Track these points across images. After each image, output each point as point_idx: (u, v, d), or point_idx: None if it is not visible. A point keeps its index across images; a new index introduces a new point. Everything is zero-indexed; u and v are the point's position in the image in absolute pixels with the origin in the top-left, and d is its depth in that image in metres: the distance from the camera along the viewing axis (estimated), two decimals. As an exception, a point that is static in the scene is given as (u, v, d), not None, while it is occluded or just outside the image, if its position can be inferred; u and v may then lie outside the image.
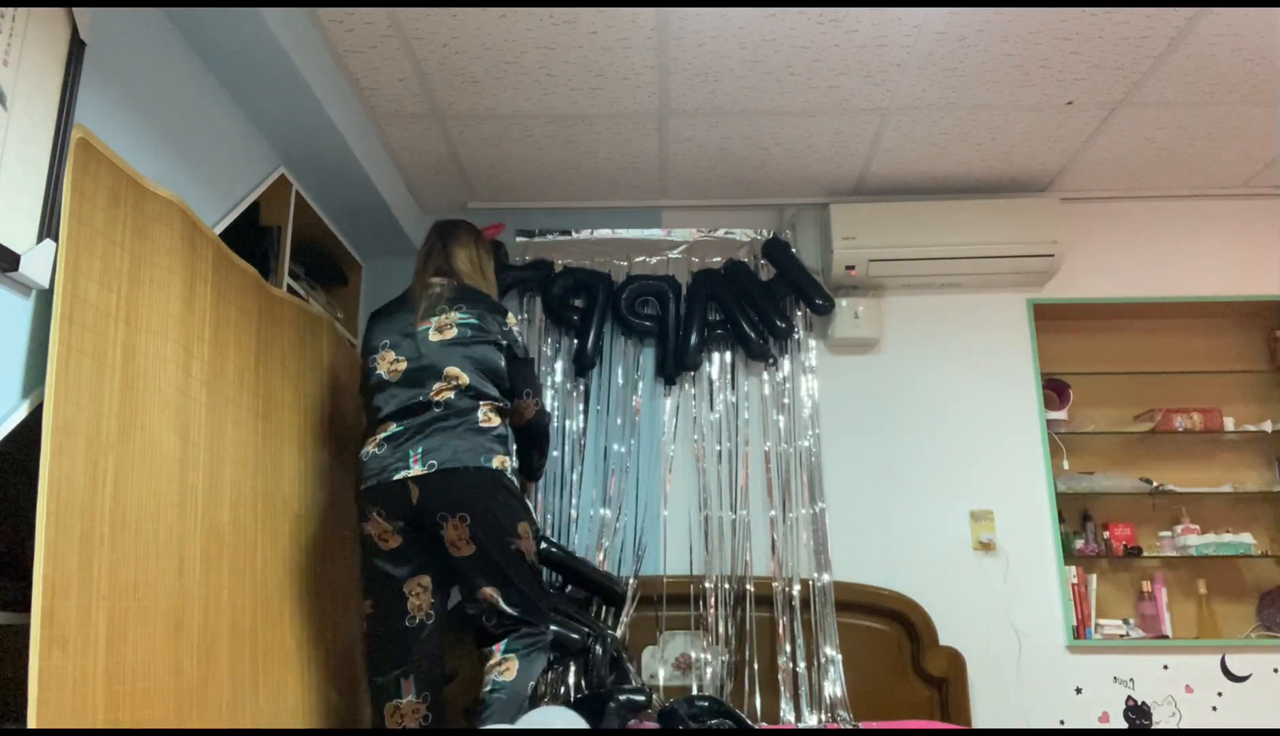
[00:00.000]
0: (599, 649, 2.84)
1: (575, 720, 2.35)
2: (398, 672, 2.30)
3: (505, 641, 2.32)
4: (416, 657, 2.31)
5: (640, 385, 3.30)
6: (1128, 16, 2.40)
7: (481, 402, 2.36)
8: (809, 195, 3.41)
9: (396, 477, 2.27)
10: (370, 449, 2.35)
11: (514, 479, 2.35)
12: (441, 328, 2.41)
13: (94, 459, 1.64)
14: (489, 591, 2.28)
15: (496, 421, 2.37)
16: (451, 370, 2.36)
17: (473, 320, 2.43)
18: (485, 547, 2.26)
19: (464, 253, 2.59)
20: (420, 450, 2.28)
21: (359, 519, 2.39)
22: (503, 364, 2.44)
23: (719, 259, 3.37)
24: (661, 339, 3.26)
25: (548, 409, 2.76)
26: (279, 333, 2.58)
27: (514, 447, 2.42)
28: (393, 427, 2.34)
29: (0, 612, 1.70)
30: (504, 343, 2.46)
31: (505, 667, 2.28)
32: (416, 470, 2.25)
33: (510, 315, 2.53)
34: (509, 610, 2.29)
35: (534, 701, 2.35)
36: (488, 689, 2.28)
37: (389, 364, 2.42)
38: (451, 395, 2.33)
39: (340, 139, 2.60)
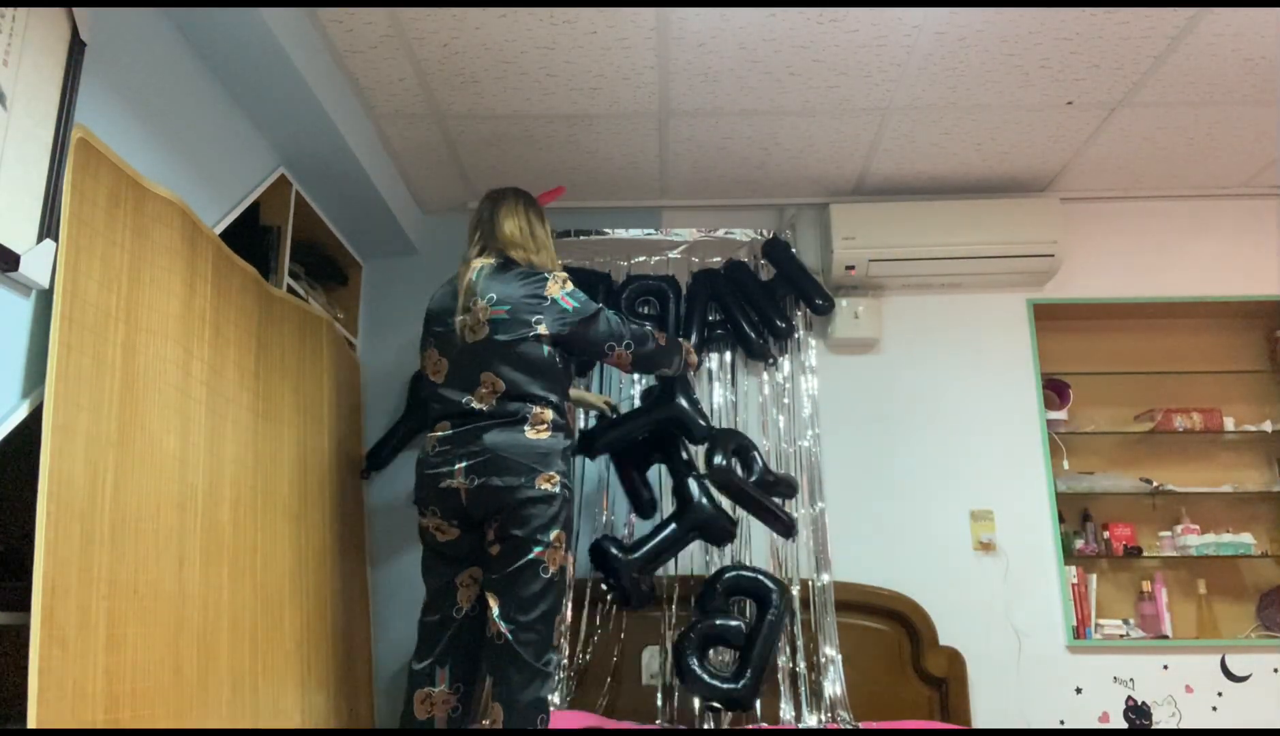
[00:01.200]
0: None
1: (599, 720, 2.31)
2: (434, 660, 2.29)
3: (491, 681, 2.21)
4: (456, 648, 2.29)
5: (640, 385, 3.29)
6: (1128, 16, 2.40)
7: (529, 404, 2.26)
8: (809, 195, 3.41)
9: (442, 485, 2.26)
10: (427, 448, 2.34)
11: (568, 485, 2.26)
12: (475, 326, 2.32)
13: (94, 459, 1.64)
14: (490, 596, 2.21)
15: (548, 420, 2.25)
16: (486, 376, 2.28)
17: (504, 314, 2.30)
18: (507, 548, 2.20)
19: (510, 220, 2.46)
20: (464, 461, 2.23)
21: (417, 512, 2.37)
22: (546, 353, 2.30)
23: (719, 259, 3.37)
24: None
25: (652, 339, 2.45)
26: (279, 332, 2.58)
27: (568, 448, 2.31)
28: (446, 429, 2.31)
29: (0, 612, 1.70)
30: (546, 327, 2.30)
31: (494, 718, 2.17)
32: (460, 481, 2.23)
33: (553, 279, 2.36)
34: (500, 626, 2.16)
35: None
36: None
37: (433, 364, 2.40)
38: (494, 402, 2.26)
39: (340, 139, 2.60)
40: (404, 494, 3.21)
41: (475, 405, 2.28)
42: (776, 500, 2.78)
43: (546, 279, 2.37)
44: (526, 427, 2.24)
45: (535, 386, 2.28)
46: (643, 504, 2.95)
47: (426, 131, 2.95)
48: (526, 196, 2.55)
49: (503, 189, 2.57)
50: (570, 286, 2.39)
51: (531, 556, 2.18)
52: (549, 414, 2.27)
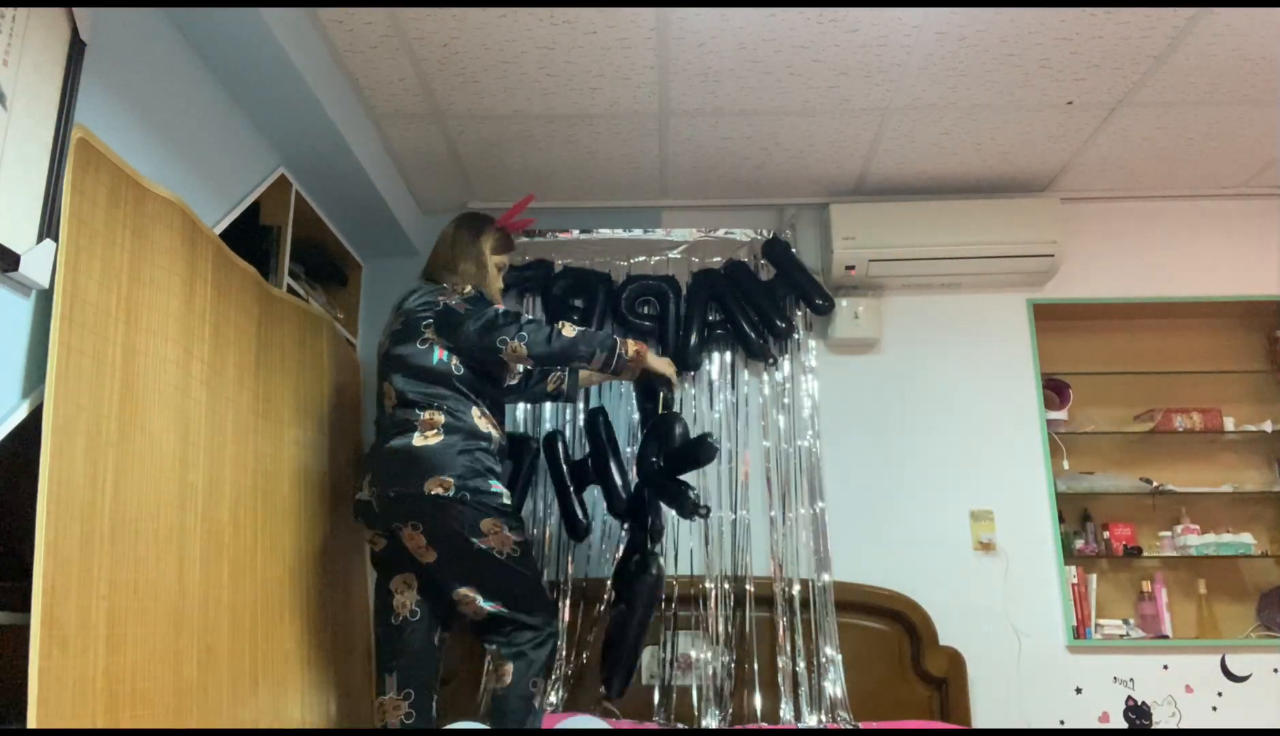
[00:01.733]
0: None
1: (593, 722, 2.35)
2: (384, 669, 2.33)
3: (495, 645, 2.30)
4: (401, 655, 2.32)
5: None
6: (1128, 16, 2.40)
7: (418, 411, 2.26)
8: (809, 195, 3.41)
9: (357, 496, 2.35)
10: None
11: (466, 487, 2.20)
12: (382, 342, 2.43)
13: (94, 459, 1.64)
14: (463, 591, 2.26)
15: (439, 424, 2.24)
16: (385, 386, 2.37)
17: (399, 324, 2.38)
18: (446, 553, 2.24)
19: (441, 237, 2.58)
20: (368, 474, 2.31)
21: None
22: (435, 359, 2.31)
23: (719, 259, 3.37)
24: (661, 339, 3.25)
25: (553, 332, 2.33)
26: (279, 332, 2.58)
27: (466, 449, 2.24)
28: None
29: (0, 612, 1.70)
30: (433, 329, 2.32)
31: (502, 673, 2.27)
32: (364, 495, 2.31)
33: (456, 292, 2.37)
34: (488, 607, 2.26)
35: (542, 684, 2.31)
36: (491, 699, 2.28)
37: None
38: (391, 409, 2.33)
39: (340, 139, 2.59)
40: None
41: (383, 416, 2.36)
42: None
43: (450, 289, 2.40)
44: (416, 428, 2.26)
45: (424, 391, 2.30)
46: (576, 525, 2.95)
47: (426, 131, 2.95)
48: (472, 216, 2.61)
49: (461, 214, 2.64)
50: (468, 293, 2.38)
51: (475, 550, 2.23)
52: (441, 420, 2.26)
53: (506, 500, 2.28)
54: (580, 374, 2.84)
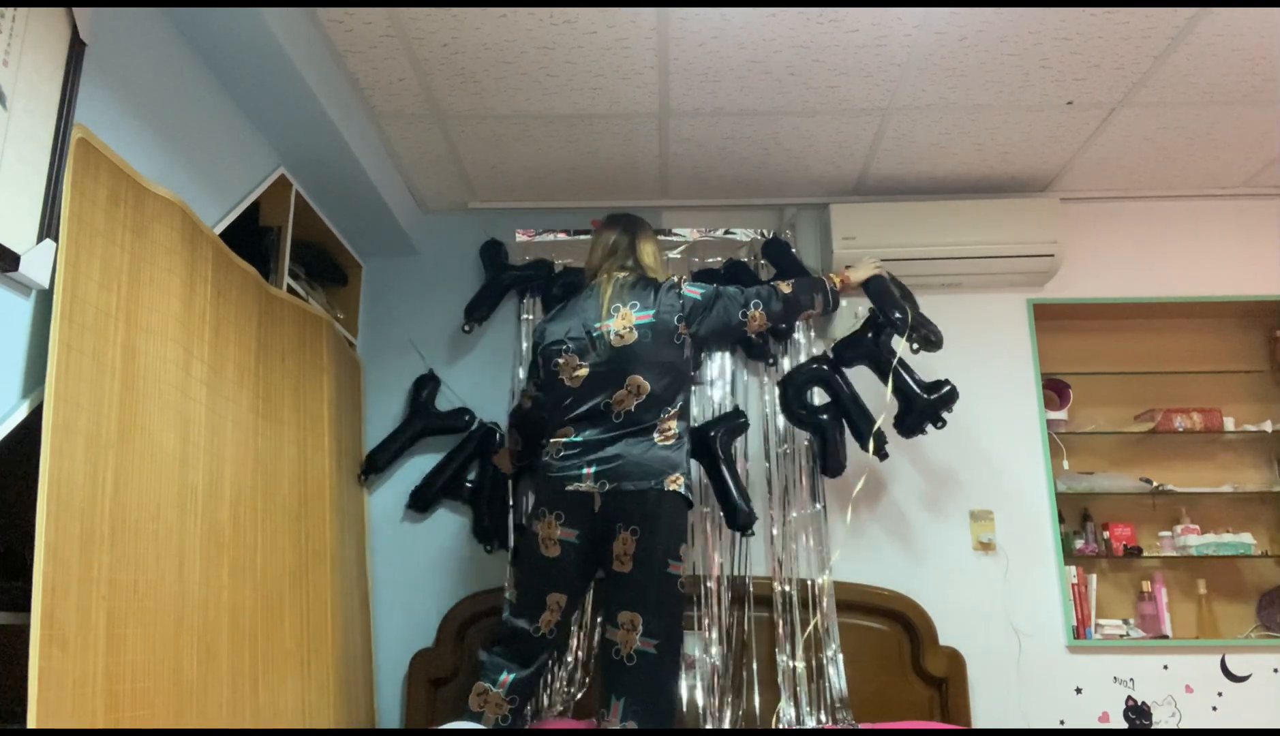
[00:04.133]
0: None
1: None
2: (505, 664, 2.33)
3: (622, 703, 2.26)
4: (527, 662, 2.34)
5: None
6: (1128, 16, 2.40)
7: (662, 412, 2.36)
8: (809, 195, 3.41)
9: (570, 488, 2.32)
10: (551, 453, 2.38)
11: (687, 495, 2.34)
12: (623, 332, 2.40)
13: (94, 459, 1.64)
14: (630, 615, 2.27)
15: (673, 429, 2.36)
16: (634, 378, 2.36)
17: (651, 319, 2.41)
18: (644, 566, 2.27)
19: (649, 247, 2.62)
20: (595, 465, 2.30)
21: (530, 514, 2.42)
22: (684, 356, 2.43)
23: (719, 259, 3.37)
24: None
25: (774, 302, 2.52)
26: (279, 333, 2.58)
27: (688, 451, 2.40)
28: (572, 434, 2.37)
29: (0, 612, 1.70)
30: (684, 326, 2.43)
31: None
32: (588, 486, 2.30)
33: (682, 283, 2.50)
34: (642, 645, 2.26)
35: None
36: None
37: (571, 371, 2.42)
38: (632, 407, 2.34)
39: (340, 139, 2.60)
40: (404, 494, 3.22)
41: (614, 407, 2.36)
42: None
43: (679, 282, 2.52)
44: (657, 428, 2.34)
45: (672, 393, 2.38)
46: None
47: (426, 131, 2.95)
48: (628, 217, 2.70)
49: (635, 215, 2.70)
50: (688, 287, 2.50)
51: (666, 574, 2.29)
52: (674, 427, 2.37)
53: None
54: None
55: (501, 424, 3.22)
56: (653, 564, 2.28)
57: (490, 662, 2.35)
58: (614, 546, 2.29)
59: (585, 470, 2.30)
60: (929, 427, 2.82)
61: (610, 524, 2.30)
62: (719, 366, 3.31)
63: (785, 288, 2.55)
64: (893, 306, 2.72)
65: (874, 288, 2.77)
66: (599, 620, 2.73)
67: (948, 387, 2.79)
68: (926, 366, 3.32)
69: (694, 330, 2.45)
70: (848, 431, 2.97)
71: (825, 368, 2.97)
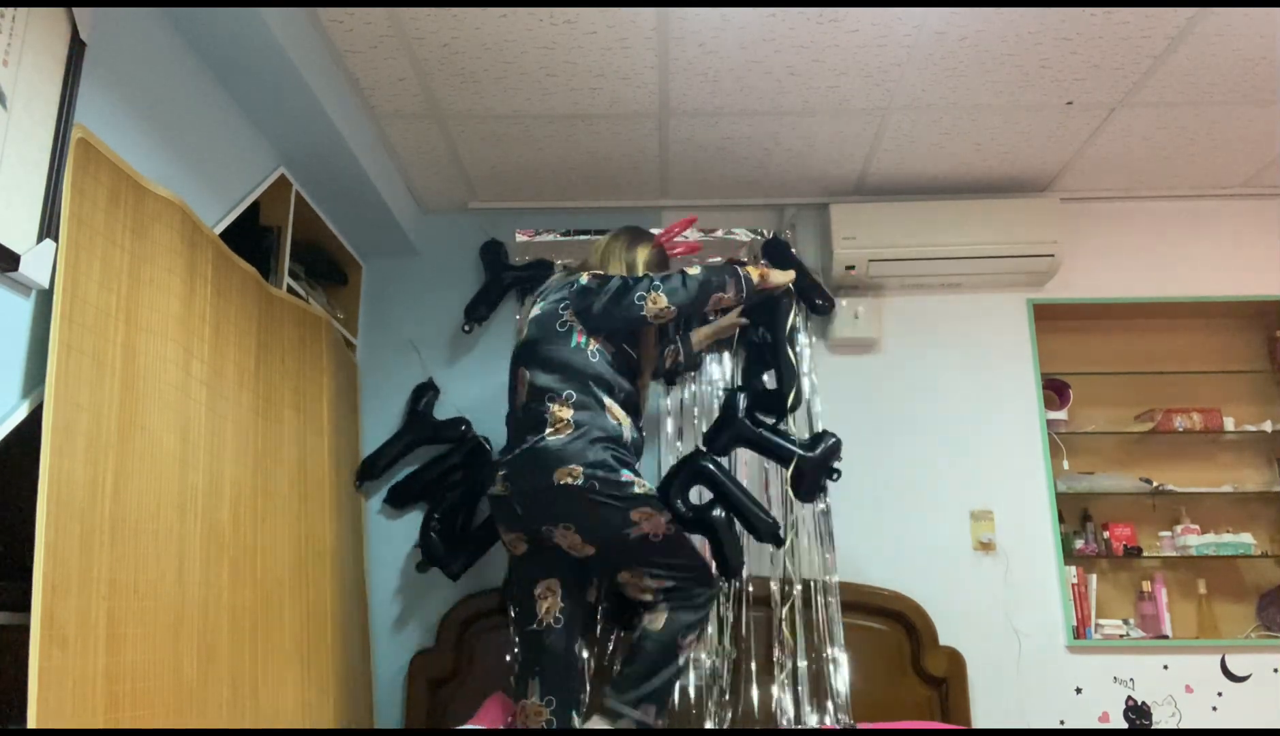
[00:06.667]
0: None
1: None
2: (526, 673, 2.32)
3: (653, 598, 2.29)
4: (543, 660, 2.30)
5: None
6: (1128, 17, 2.40)
7: (549, 403, 2.26)
8: (809, 195, 3.41)
9: (491, 492, 2.33)
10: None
11: (598, 475, 2.18)
12: (522, 328, 2.42)
13: (94, 459, 1.64)
14: (626, 575, 2.28)
15: (567, 419, 2.23)
16: (521, 372, 2.35)
17: (539, 312, 2.38)
18: (604, 548, 2.24)
19: (593, 247, 2.60)
20: (505, 467, 2.29)
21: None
22: (571, 345, 2.30)
23: (719, 259, 3.36)
24: (661, 339, 3.25)
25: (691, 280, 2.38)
26: (279, 333, 2.58)
27: (594, 439, 2.22)
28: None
29: (0, 612, 1.70)
30: (569, 312, 2.33)
31: (654, 617, 2.25)
32: (500, 488, 2.29)
33: (597, 272, 2.40)
34: (653, 585, 2.26)
35: (683, 653, 2.27)
36: (636, 636, 2.27)
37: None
38: (524, 401, 2.32)
39: (340, 139, 2.59)
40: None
41: (516, 406, 2.35)
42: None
43: (594, 270, 2.44)
44: (547, 421, 2.25)
45: (558, 382, 2.29)
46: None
47: (426, 131, 2.95)
48: (628, 229, 2.64)
49: (633, 229, 2.65)
50: (597, 273, 2.42)
51: (631, 540, 2.21)
52: (567, 414, 2.25)
53: (639, 489, 2.24)
54: (693, 338, 2.93)
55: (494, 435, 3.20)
56: (610, 541, 2.22)
57: (517, 678, 2.34)
58: (558, 541, 2.25)
59: (499, 472, 2.30)
60: (826, 483, 2.77)
61: (537, 524, 2.26)
62: (719, 366, 3.30)
63: (693, 270, 2.41)
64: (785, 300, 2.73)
65: (783, 306, 2.77)
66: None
67: (833, 439, 2.73)
68: (926, 366, 3.33)
69: (584, 316, 2.33)
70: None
71: (701, 463, 2.74)
